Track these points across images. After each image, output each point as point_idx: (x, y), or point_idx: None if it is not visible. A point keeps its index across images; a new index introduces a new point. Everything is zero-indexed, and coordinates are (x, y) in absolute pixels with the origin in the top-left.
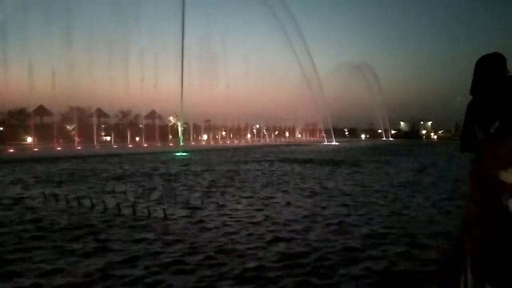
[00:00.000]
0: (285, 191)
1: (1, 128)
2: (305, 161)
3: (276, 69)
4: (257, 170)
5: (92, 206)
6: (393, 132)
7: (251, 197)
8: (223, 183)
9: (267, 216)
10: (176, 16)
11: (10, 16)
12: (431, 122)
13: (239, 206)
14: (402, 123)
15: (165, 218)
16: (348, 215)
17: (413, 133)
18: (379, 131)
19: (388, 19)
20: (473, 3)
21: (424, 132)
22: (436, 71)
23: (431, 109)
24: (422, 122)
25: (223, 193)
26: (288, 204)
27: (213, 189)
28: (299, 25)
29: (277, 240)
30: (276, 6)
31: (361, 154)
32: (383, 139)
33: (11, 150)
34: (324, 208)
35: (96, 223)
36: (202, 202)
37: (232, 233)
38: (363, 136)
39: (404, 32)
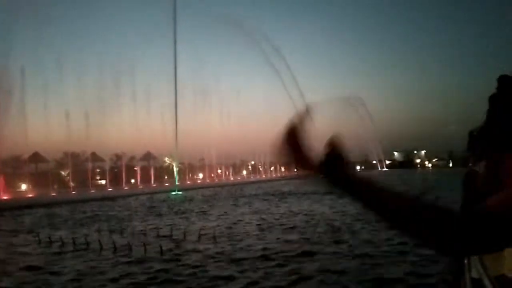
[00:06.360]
0: None
1: None
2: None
3: (268, 105)
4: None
5: None
6: (387, 162)
7: None
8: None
9: None
10: (169, 58)
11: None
12: (425, 150)
13: None
14: (396, 153)
15: None
16: None
17: (408, 163)
18: (374, 162)
19: (377, 51)
20: (464, 32)
21: (418, 161)
22: (428, 100)
23: (424, 138)
24: (415, 152)
25: None
26: None
27: None
28: (287, 60)
29: None
30: (266, 45)
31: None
32: (378, 169)
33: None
34: None
35: None
36: None
37: None
38: (358, 167)
39: (393, 63)
